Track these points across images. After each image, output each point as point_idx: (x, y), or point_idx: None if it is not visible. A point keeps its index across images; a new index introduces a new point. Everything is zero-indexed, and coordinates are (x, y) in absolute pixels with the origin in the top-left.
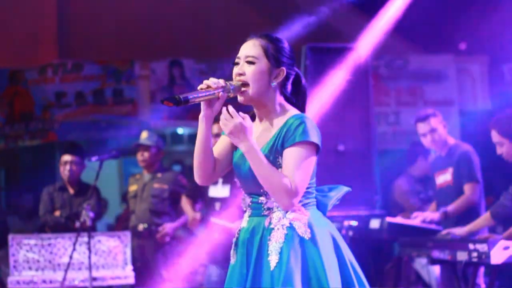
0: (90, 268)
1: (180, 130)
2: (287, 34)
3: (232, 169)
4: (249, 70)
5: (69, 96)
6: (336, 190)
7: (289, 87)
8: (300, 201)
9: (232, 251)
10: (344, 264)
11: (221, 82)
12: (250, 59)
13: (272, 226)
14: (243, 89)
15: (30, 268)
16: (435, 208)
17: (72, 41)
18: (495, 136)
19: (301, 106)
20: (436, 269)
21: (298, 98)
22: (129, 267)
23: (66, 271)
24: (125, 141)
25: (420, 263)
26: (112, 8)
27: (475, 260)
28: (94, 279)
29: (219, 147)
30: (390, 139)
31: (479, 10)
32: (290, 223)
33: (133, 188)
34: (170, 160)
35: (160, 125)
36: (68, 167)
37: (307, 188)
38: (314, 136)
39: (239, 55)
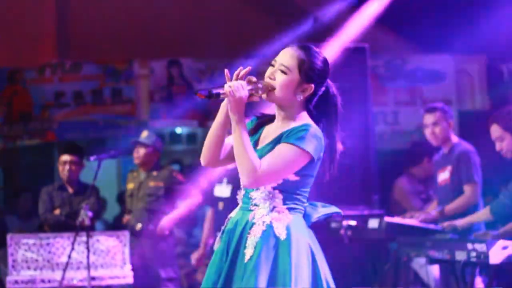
0: (88, 267)
1: (178, 130)
2: (290, 34)
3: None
4: (279, 78)
5: (67, 95)
6: (327, 208)
7: (314, 102)
8: (286, 204)
9: (218, 237)
10: (318, 279)
11: (253, 79)
12: (283, 68)
13: (254, 221)
14: (270, 91)
15: (28, 268)
16: (435, 206)
17: (71, 41)
18: (496, 131)
19: (325, 122)
20: (434, 269)
21: (324, 114)
22: (128, 266)
23: (64, 270)
24: (124, 141)
25: (418, 263)
26: (111, 7)
27: (473, 260)
28: (93, 278)
29: (231, 140)
30: (389, 139)
31: (478, 10)
32: (270, 221)
33: (130, 186)
34: (169, 160)
35: (158, 125)
36: (67, 166)
37: (296, 194)
38: (309, 145)
39: (276, 59)
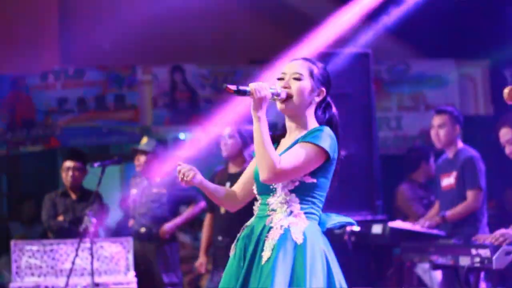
0: (92, 274)
1: (182, 135)
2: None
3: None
4: (295, 85)
5: (70, 102)
6: (341, 217)
7: (322, 108)
8: (303, 209)
9: (233, 245)
10: (333, 285)
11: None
12: (297, 75)
13: (271, 225)
14: (287, 99)
15: (32, 274)
16: (437, 210)
17: (74, 47)
18: (507, 134)
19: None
20: (438, 274)
21: (328, 121)
22: (132, 273)
23: (68, 277)
24: (127, 147)
25: (422, 268)
26: (113, 13)
27: (477, 265)
28: (97, 285)
29: (246, 174)
30: (392, 144)
31: (481, 15)
32: (288, 225)
33: (133, 192)
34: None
35: (162, 131)
36: (70, 173)
37: (312, 197)
38: (325, 142)
39: (284, 71)
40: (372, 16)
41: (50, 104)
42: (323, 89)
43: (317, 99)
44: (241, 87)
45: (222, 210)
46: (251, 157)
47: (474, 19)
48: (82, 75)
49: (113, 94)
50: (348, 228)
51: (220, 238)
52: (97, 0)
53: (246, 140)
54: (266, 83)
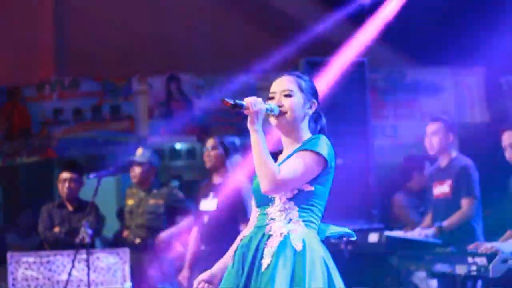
0: (89, 285)
1: (178, 145)
2: (286, 48)
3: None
4: (287, 101)
5: (66, 112)
6: (340, 227)
7: (313, 118)
8: (302, 217)
9: (231, 255)
10: None
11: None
12: (287, 92)
13: (271, 233)
14: (281, 115)
15: (29, 286)
16: (430, 220)
17: (69, 58)
18: (509, 138)
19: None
20: (435, 283)
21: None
22: (128, 284)
23: None
24: (124, 157)
25: (419, 277)
26: (109, 24)
27: (474, 273)
28: None
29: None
30: (388, 153)
31: (476, 22)
32: (288, 232)
33: (129, 202)
34: (168, 176)
35: (158, 141)
36: (66, 184)
37: (311, 206)
38: (323, 150)
39: (273, 90)
40: (368, 24)
41: (46, 115)
42: (314, 100)
43: (310, 112)
44: (238, 101)
45: (205, 220)
46: (232, 166)
47: (470, 27)
48: (78, 86)
49: (109, 104)
50: (345, 237)
51: (202, 247)
52: (92, 11)
53: (228, 150)
54: (260, 98)
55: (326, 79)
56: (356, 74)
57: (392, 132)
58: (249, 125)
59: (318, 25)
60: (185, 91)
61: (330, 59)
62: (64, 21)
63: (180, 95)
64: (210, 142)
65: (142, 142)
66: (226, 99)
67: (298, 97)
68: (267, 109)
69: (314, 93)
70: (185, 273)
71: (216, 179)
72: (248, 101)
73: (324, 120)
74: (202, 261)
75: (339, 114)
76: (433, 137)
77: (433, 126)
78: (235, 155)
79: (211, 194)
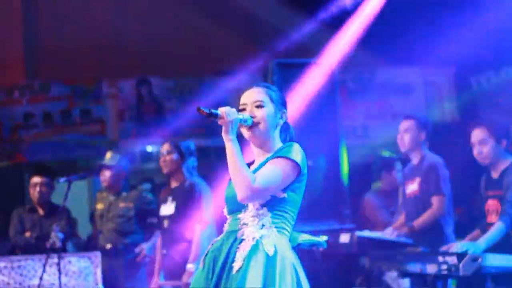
0: None
1: (149, 148)
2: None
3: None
4: (259, 112)
5: (36, 117)
6: (311, 236)
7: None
8: (274, 223)
9: (202, 258)
10: None
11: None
12: (259, 103)
13: (243, 237)
14: (253, 126)
15: None
16: (403, 219)
17: (39, 62)
18: (480, 134)
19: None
20: (406, 282)
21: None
22: (100, 287)
23: None
24: (95, 161)
25: (390, 277)
26: (78, 28)
27: (444, 272)
28: None
29: None
30: (359, 153)
31: (445, 22)
32: (260, 237)
33: (99, 206)
34: (140, 178)
35: (129, 143)
36: (37, 188)
37: (283, 212)
38: (296, 156)
39: (244, 101)
40: (337, 25)
41: (16, 119)
42: (285, 110)
43: (281, 122)
44: (213, 111)
45: (165, 224)
46: (189, 170)
47: (438, 26)
48: (48, 90)
49: (79, 108)
50: (323, 237)
51: (164, 251)
52: (60, 15)
53: (184, 154)
54: (234, 109)
55: (303, 83)
56: (326, 75)
57: (363, 132)
58: (223, 135)
59: (292, 29)
60: (155, 94)
61: (303, 61)
62: (33, 25)
63: (151, 98)
64: (165, 147)
65: (113, 145)
66: (202, 108)
67: (270, 108)
68: (240, 120)
69: (283, 103)
70: (155, 281)
71: (173, 183)
72: (222, 110)
73: (292, 129)
74: (165, 265)
75: (310, 115)
76: (405, 135)
77: (406, 123)
78: (190, 159)
79: (169, 198)
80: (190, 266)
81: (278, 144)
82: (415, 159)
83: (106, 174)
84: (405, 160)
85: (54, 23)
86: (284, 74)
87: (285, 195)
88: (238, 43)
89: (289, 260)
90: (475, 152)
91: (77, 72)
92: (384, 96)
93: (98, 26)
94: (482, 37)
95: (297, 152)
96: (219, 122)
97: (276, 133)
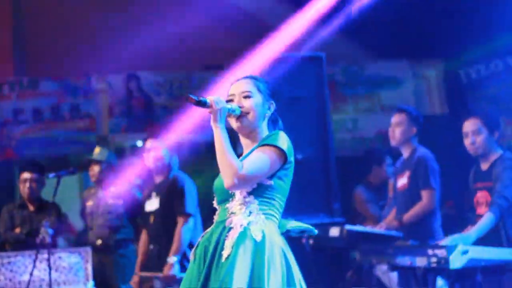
0: (50, 285)
1: (139, 143)
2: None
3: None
4: (248, 102)
5: (26, 112)
6: (300, 223)
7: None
8: (262, 210)
9: (192, 251)
10: (292, 283)
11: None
12: (247, 93)
13: (231, 225)
14: (242, 116)
15: None
16: (394, 213)
17: (28, 58)
18: (474, 124)
19: None
20: (396, 276)
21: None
22: (91, 283)
23: None
24: (85, 156)
25: (381, 270)
26: (67, 23)
27: (434, 265)
28: None
29: None
30: (349, 146)
31: (435, 15)
32: (247, 224)
33: (89, 203)
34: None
35: (119, 139)
36: (27, 184)
37: (270, 199)
38: (283, 144)
39: (232, 92)
40: (325, 18)
41: (6, 115)
42: (272, 101)
43: (269, 112)
44: (202, 98)
45: (151, 220)
46: (175, 164)
47: (428, 19)
48: (37, 86)
49: (68, 103)
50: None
51: (151, 246)
52: (49, 10)
53: (172, 149)
54: (223, 97)
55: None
56: (314, 69)
57: (352, 125)
58: (212, 123)
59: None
60: (144, 89)
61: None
62: (22, 21)
63: (140, 93)
64: (148, 143)
65: (103, 141)
66: (191, 96)
67: (258, 98)
68: (229, 109)
69: (271, 94)
70: (135, 278)
71: (158, 179)
72: (211, 99)
73: (280, 121)
74: (153, 260)
75: (298, 109)
76: (396, 128)
77: (397, 117)
78: (175, 154)
79: (153, 194)
80: (170, 259)
81: (266, 134)
82: (405, 153)
83: (95, 169)
84: (395, 154)
85: (42, 19)
86: (272, 67)
87: (271, 182)
88: (227, 37)
89: (277, 245)
90: (468, 142)
91: (66, 68)
92: (373, 89)
93: (86, 21)
94: (469, 30)
95: (283, 140)
96: (208, 110)
97: (264, 124)
